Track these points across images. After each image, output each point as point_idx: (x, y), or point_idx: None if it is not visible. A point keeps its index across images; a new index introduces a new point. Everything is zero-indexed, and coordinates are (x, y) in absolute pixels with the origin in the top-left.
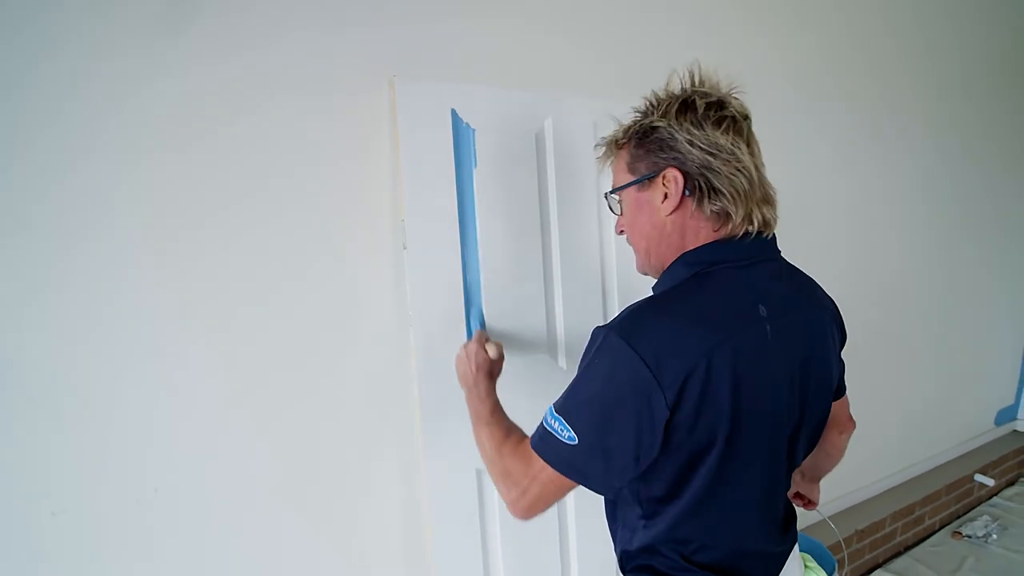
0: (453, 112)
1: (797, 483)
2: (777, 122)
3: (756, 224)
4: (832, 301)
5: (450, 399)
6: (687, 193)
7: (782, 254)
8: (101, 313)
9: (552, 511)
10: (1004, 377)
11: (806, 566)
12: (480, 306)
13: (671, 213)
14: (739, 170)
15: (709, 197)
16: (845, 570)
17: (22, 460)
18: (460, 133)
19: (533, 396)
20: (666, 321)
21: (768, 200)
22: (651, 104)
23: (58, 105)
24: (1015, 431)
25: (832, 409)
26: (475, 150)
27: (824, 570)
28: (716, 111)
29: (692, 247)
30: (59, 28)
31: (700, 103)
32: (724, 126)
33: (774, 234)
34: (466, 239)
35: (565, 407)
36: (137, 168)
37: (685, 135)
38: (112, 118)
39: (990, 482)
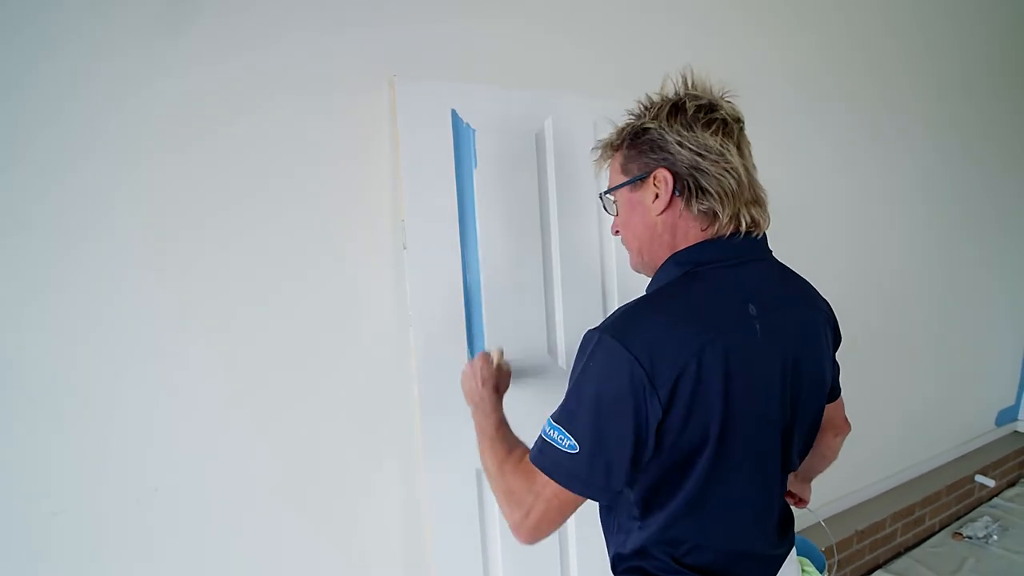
0: (453, 112)
1: (789, 481)
2: (777, 122)
3: (744, 224)
4: (826, 302)
5: (450, 399)
6: (676, 193)
7: (781, 254)
8: (101, 313)
9: None
10: (1004, 377)
11: (804, 570)
12: (482, 325)
13: (661, 213)
14: (727, 171)
15: (697, 197)
16: (846, 571)
17: (22, 460)
18: (460, 133)
19: (533, 395)
20: (658, 319)
21: (758, 201)
22: (644, 107)
23: (58, 105)
24: (1016, 432)
25: (827, 411)
26: (475, 150)
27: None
28: (706, 113)
29: (683, 246)
30: (59, 28)
31: (691, 105)
32: (714, 128)
33: (764, 234)
34: (466, 239)
35: (563, 415)
36: (137, 168)
37: (675, 136)
38: (112, 118)
39: (991, 483)
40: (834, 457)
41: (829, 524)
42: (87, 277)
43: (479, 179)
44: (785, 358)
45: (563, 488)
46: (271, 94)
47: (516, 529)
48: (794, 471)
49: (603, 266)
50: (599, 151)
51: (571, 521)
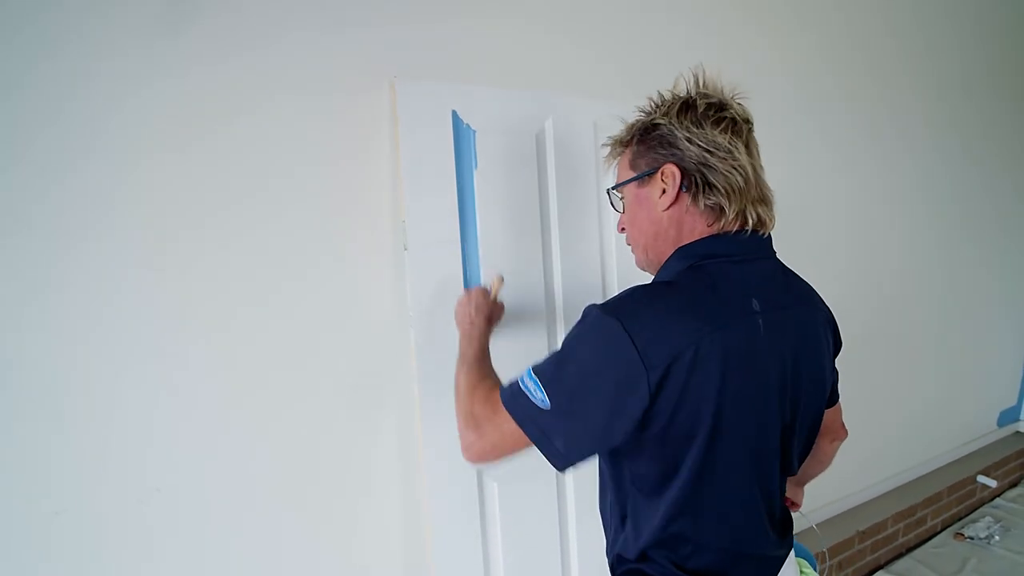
0: (454, 113)
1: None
2: (777, 122)
3: (751, 222)
4: (827, 307)
5: (450, 399)
6: (684, 188)
7: (782, 254)
8: (101, 313)
9: (553, 511)
10: (1005, 378)
11: (802, 572)
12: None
13: (668, 208)
14: (735, 168)
15: (704, 192)
16: (847, 571)
17: (22, 460)
18: (461, 134)
19: None
20: (658, 307)
21: (764, 200)
22: (655, 104)
23: (58, 105)
24: (1017, 432)
25: (825, 417)
26: (475, 151)
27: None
28: (716, 112)
29: (688, 241)
30: (59, 28)
31: (701, 103)
32: (723, 126)
33: (770, 234)
34: (467, 240)
35: (543, 371)
36: (137, 168)
37: (684, 133)
38: (112, 118)
39: (992, 483)
40: (829, 463)
41: (831, 524)
42: (87, 277)
43: (480, 180)
44: (785, 357)
45: (521, 431)
46: (271, 94)
47: (466, 449)
48: (793, 474)
49: (604, 267)
50: (609, 148)
51: (572, 519)
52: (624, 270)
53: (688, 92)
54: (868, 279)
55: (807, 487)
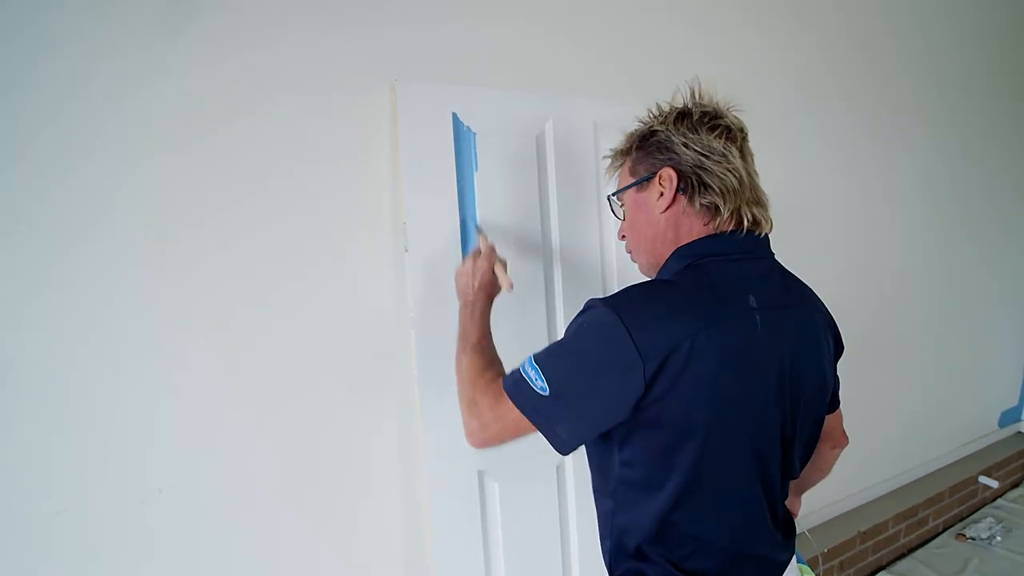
0: (454, 115)
1: None
2: (777, 122)
3: (746, 222)
4: (826, 308)
5: (450, 400)
6: (680, 190)
7: (781, 254)
8: (101, 313)
9: (553, 511)
10: (1007, 378)
11: None
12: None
13: (665, 210)
14: (730, 170)
15: (700, 192)
16: (848, 572)
17: (22, 460)
18: (461, 136)
19: None
20: (656, 303)
21: (759, 202)
22: (653, 115)
23: (58, 105)
24: (1019, 432)
25: (826, 423)
26: (476, 153)
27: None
28: (711, 119)
29: (686, 242)
30: (59, 28)
31: (697, 111)
32: (718, 132)
33: (767, 235)
34: (467, 242)
35: (543, 360)
36: (137, 168)
37: (681, 138)
38: (112, 118)
39: (994, 484)
40: (829, 471)
41: (832, 525)
42: (87, 277)
43: (480, 181)
44: (784, 357)
45: (525, 418)
46: (271, 94)
47: (470, 435)
48: (795, 477)
49: (604, 268)
50: (610, 159)
51: (572, 519)
52: (624, 271)
53: (685, 103)
54: (868, 279)
55: (805, 493)
